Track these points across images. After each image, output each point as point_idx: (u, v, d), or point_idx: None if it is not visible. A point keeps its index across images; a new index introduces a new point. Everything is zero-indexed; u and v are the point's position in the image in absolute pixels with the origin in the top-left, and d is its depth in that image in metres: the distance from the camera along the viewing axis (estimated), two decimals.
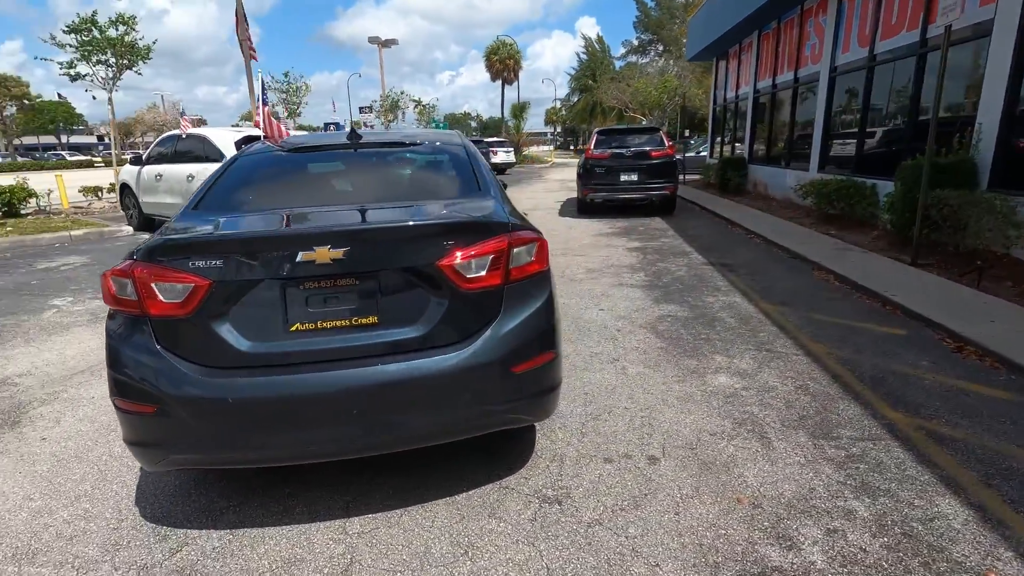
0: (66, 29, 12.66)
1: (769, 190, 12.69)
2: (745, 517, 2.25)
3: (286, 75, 27.82)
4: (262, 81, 3.59)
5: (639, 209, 11.44)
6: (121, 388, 2.01)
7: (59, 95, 61.20)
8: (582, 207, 11.40)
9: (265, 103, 3.83)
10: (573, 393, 3.38)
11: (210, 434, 1.98)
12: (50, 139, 68.53)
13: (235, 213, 2.39)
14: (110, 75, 13.44)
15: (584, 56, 54.39)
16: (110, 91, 13.60)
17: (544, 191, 17.70)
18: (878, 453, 2.65)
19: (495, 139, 28.24)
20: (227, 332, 1.98)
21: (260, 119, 3.76)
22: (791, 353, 3.90)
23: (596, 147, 10.87)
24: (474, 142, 19.23)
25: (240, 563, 2.10)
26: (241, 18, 14.28)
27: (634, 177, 10.49)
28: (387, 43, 34.87)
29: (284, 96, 27.25)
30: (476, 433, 2.28)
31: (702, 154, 20.97)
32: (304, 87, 27.76)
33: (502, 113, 48.16)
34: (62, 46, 13.06)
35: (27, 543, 2.25)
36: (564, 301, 5.31)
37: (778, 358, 3.82)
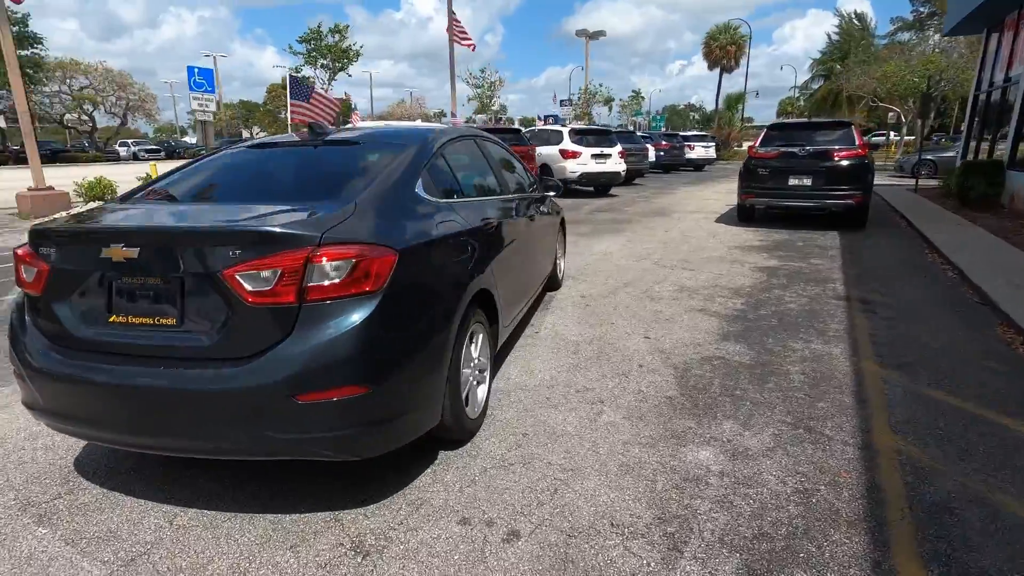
0: (299, 40, 15.65)
1: None
2: None
3: (483, 71, 30.32)
4: (286, 79, 3.83)
5: (817, 220, 9.49)
6: (9, 351, 2.36)
7: (345, 94, 75.45)
8: (742, 213, 9.87)
9: (296, 100, 4.10)
10: (508, 431, 2.94)
11: (46, 404, 2.20)
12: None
13: (136, 207, 2.59)
14: (326, 77, 16.21)
15: (836, 37, 46.59)
16: (326, 90, 16.41)
17: (724, 192, 15.84)
18: None
19: (693, 133, 26.00)
20: (63, 313, 2.17)
21: (289, 113, 4.05)
22: (839, 439, 2.81)
23: (763, 144, 9.25)
24: (668, 136, 18.13)
25: (78, 524, 2.30)
26: (451, 22, 15.62)
27: (807, 182, 8.67)
28: (594, 35, 35.20)
29: (479, 91, 29.45)
30: (265, 457, 2.13)
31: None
32: (498, 82, 29.78)
33: (716, 104, 44.32)
34: (296, 53, 16.15)
35: None
36: (615, 322, 4.66)
37: (812, 443, 2.79)
